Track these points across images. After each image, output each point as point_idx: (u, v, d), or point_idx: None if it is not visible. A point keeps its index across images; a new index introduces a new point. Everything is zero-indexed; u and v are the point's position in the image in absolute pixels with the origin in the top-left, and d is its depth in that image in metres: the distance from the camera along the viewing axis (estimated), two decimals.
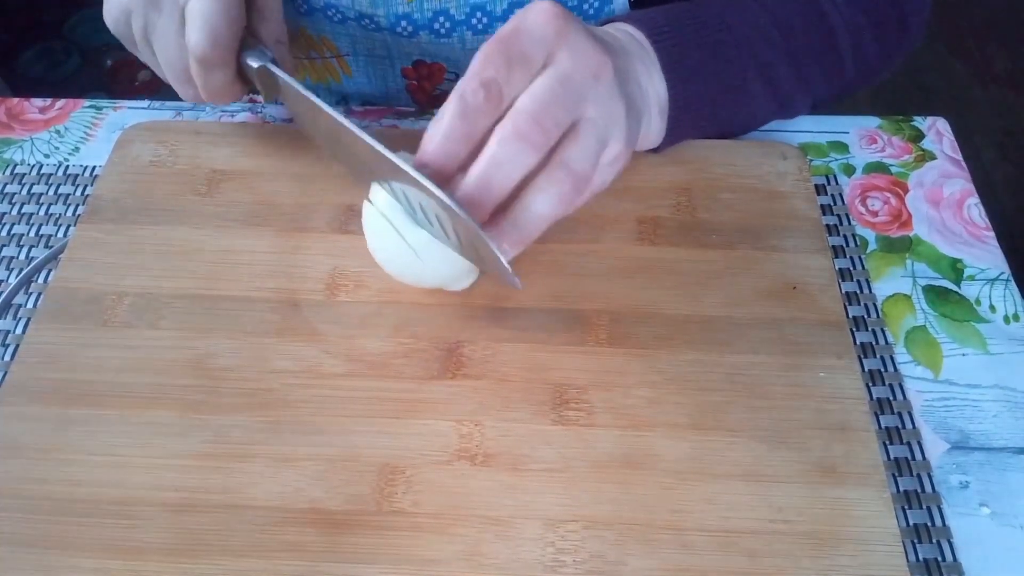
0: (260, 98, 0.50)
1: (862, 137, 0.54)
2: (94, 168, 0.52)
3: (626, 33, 0.45)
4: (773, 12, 0.48)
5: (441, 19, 0.52)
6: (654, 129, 0.46)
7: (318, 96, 0.40)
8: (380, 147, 0.36)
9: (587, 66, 0.35)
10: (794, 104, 0.52)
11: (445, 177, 0.35)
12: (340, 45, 0.57)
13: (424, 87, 0.59)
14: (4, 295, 0.46)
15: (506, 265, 0.35)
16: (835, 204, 0.51)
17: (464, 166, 0.35)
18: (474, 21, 0.53)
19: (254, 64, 0.44)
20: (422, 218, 0.38)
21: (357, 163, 0.40)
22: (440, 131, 0.34)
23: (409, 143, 0.38)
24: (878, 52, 0.53)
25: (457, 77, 0.58)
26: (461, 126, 0.34)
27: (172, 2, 0.43)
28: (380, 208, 0.40)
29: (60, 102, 0.57)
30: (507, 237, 0.35)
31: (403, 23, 0.53)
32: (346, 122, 0.38)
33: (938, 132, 0.55)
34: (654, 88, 0.44)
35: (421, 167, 0.35)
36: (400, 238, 0.39)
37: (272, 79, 0.44)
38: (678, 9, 0.46)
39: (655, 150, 0.48)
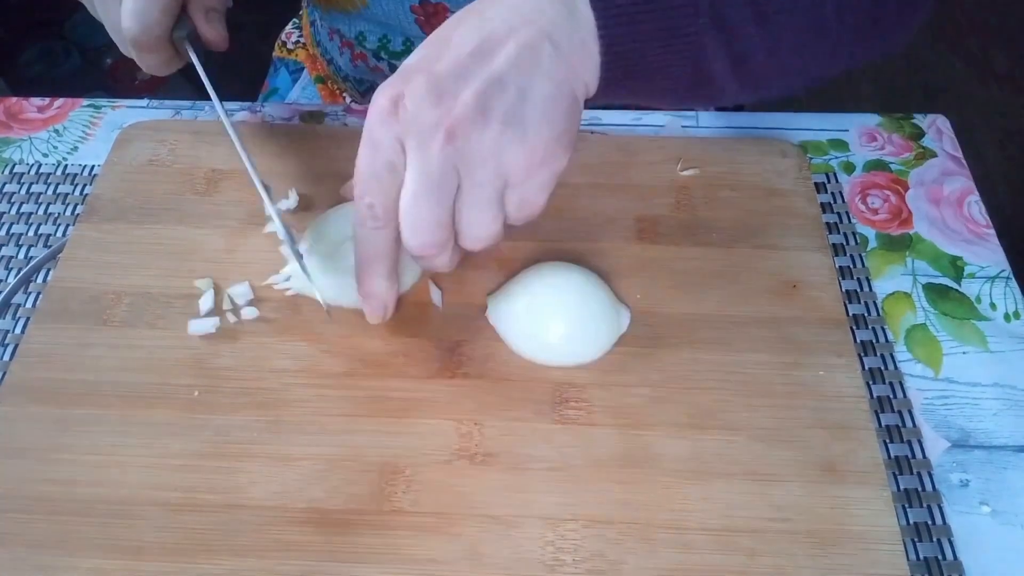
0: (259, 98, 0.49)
1: (862, 135, 0.54)
2: (93, 167, 0.52)
3: None
4: None
5: None
6: (590, 81, 0.38)
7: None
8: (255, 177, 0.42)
9: (436, 139, 0.34)
10: (751, 64, 0.40)
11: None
12: None
13: (432, 24, 0.59)
14: (3, 295, 0.46)
15: (322, 303, 0.43)
16: (835, 202, 0.51)
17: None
18: None
19: (178, 39, 0.44)
20: None
21: None
22: (359, 257, 0.39)
23: None
24: (880, 13, 0.42)
25: None
26: (371, 250, 0.38)
27: None
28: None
29: (59, 101, 0.56)
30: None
31: None
32: (234, 136, 0.43)
33: (938, 130, 0.55)
34: (580, 34, 0.37)
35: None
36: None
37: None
38: None
39: (592, 98, 0.40)
